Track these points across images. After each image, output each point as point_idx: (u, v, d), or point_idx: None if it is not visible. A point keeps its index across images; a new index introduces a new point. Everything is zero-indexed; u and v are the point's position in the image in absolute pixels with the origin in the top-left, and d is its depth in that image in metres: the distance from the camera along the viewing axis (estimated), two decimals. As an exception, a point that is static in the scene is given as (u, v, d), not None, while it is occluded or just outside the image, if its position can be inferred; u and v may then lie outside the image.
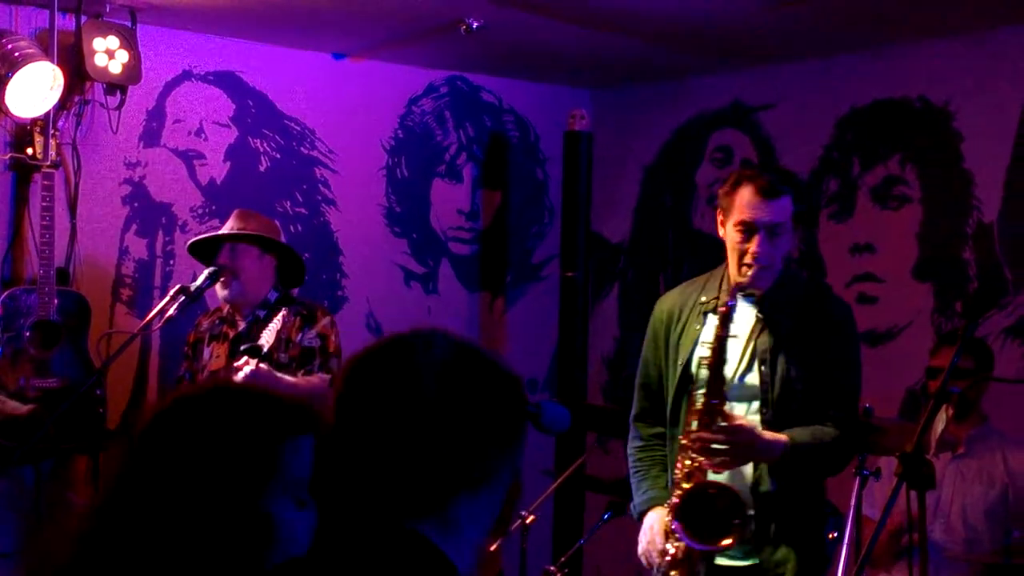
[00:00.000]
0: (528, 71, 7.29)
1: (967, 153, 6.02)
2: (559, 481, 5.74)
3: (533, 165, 7.56)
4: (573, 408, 4.33)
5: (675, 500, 3.96)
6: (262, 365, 4.80)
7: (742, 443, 3.90)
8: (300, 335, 5.06)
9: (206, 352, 5.26)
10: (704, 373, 4.03)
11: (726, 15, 5.80)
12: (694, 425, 3.97)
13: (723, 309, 3.99)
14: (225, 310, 5.28)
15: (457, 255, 7.30)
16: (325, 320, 5.14)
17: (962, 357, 5.08)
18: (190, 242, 5.46)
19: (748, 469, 3.99)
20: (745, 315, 4.08)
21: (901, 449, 3.67)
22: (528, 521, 5.33)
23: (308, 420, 1.90)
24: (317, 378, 5.00)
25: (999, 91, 5.91)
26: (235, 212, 5.39)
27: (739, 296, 4.07)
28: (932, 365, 5.33)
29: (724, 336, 3.98)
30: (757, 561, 3.99)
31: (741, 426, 3.92)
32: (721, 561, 4.03)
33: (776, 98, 6.80)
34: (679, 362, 4.12)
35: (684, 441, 3.99)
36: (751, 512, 3.94)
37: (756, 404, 4.01)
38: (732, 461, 3.94)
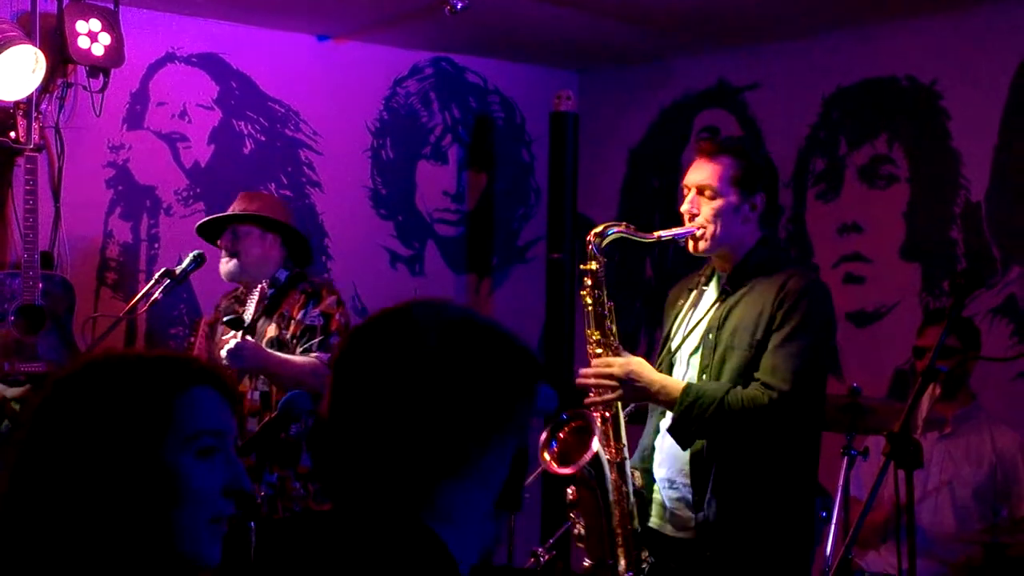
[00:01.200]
0: (513, 52, 7.26)
1: (955, 132, 6.01)
2: (547, 463, 5.72)
3: (519, 147, 7.54)
4: (560, 389, 4.34)
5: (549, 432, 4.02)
6: (248, 337, 4.77)
7: (621, 376, 3.92)
8: (302, 313, 5.02)
9: (219, 331, 5.21)
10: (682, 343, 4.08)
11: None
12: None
13: (590, 241, 4.06)
14: (239, 290, 5.23)
15: (443, 237, 7.28)
16: (330, 299, 5.07)
17: (948, 336, 5.12)
18: (197, 224, 5.36)
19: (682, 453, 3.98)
20: (713, 290, 4.12)
21: (889, 429, 3.66)
22: (516, 503, 5.32)
23: (199, 373, 1.91)
24: (314, 356, 4.93)
25: (986, 69, 5.90)
26: (240, 194, 5.32)
27: (717, 274, 4.13)
28: (918, 345, 5.34)
29: (597, 272, 4.05)
30: (693, 535, 3.97)
31: (617, 359, 3.96)
32: (666, 531, 4.04)
33: (762, 78, 6.78)
34: (665, 333, 4.20)
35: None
36: (620, 447, 3.98)
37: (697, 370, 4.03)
38: (624, 397, 3.96)
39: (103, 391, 1.84)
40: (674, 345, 4.11)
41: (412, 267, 7.16)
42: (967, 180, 5.96)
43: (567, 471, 3.98)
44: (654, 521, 4.07)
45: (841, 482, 4.61)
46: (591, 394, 4.01)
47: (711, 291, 4.12)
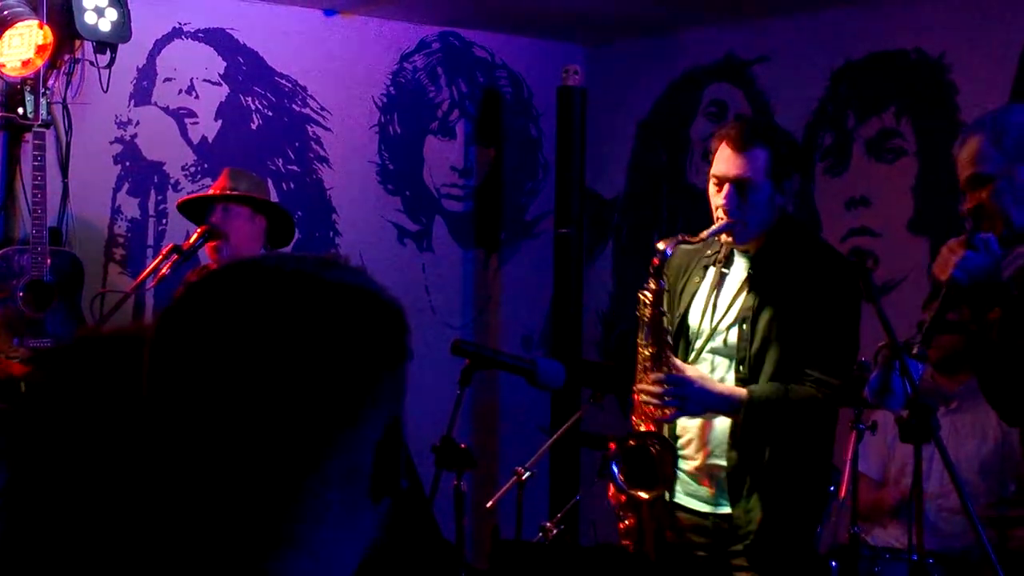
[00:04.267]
0: (521, 26, 7.24)
1: (963, 105, 5.99)
2: (555, 437, 5.73)
3: (527, 121, 7.53)
4: (568, 364, 4.35)
5: (616, 445, 4.03)
6: None
7: (687, 394, 3.92)
8: None
9: None
10: (697, 323, 4.09)
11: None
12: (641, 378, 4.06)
13: (655, 261, 4.04)
14: (214, 268, 5.26)
15: (451, 212, 7.28)
16: None
17: (953, 310, 5.11)
18: (180, 200, 5.45)
19: (725, 424, 3.99)
20: (738, 273, 4.09)
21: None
22: (524, 477, 5.33)
23: None
24: None
25: (995, 43, 5.88)
26: (225, 171, 5.37)
27: (737, 254, 4.11)
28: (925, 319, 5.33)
29: (659, 289, 4.04)
30: (729, 511, 3.99)
31: (682, 376, 3.96)
32: (694, 505, 4.07)
33: (770, 51, 6.76)
34: (678, 313, 4.16)
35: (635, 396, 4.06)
36: (680, 468, 4.00)
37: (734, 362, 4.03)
38: (683, 412, 3.97)
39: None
40: (700, 329, 4.09)
41: (420, 242, 7.16)
42: (975, 154, 5.94)
43: (640, 495, 3.99)
44: (681, 498, 4.09)
45: (850, 457, 4.62)
46: (647, 407, 4.01)
47: (737, 273, 4.10)
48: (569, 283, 6.92)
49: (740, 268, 4.10)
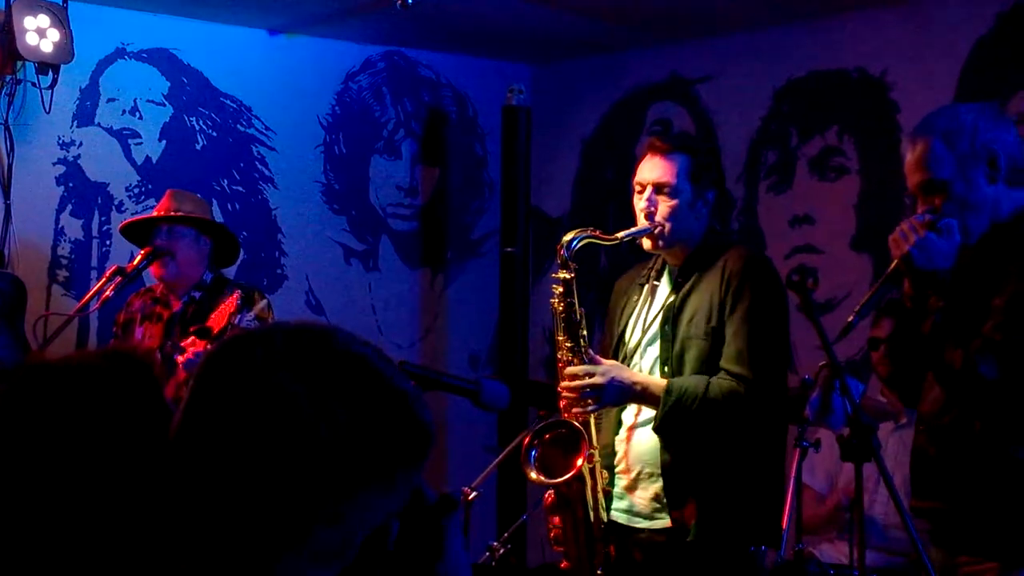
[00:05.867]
0: (466, 46, 7.25)
1: (904, 124, 6.04)
2: (502, 457, 5.72)
3: (472, 140, 7.54)
4: (514, 384, 4.34)
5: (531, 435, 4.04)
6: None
7: (604, 384, 3.93)
8: (239, 317, 5.03)
9: (137, 332, 5.22)
10: (637, 338, 4.10)
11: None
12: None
13: (560, 252, 4.06)
14: (158, 290, 5.25)
15: (397, 232, 7.27)
16: (262, 303, 5.10)
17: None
18: (124, 223, 5.42)
19: (653, 436, 4.00)
20: (666, 284, 4.14)
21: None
22: (471, 497, 5.32)
23: None
24: None
25: (936, 61, 5.94)
26: (168, 192, 5.35)
27: (668, 269, 4.15)
28: (873, 335, 5.36)
29: (568, 280, 4.05)
30: (666, 524, 3.99)
31: (597, 367, 3.96)
32: (631, 522, 4.06)
33: (714, 70, 6.80)
34: (616, 332, 4.19)
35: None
36: (592, 452, 3.97)
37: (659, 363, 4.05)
38: (604, 402, 3.97)
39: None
40: (631, 341, 4.12)
41: (366, 262, 7.15)
42: (917, 172, 5.99)
43: (553, 482, 3.99)
44: (618, 516, 4.08)
45: (793, 473, 4.64)
46: (565, 401, 3.99)
47: (664, 285, 4.14)
48: (515, 302, 6.93)
49: (667, 280, 4.15)
